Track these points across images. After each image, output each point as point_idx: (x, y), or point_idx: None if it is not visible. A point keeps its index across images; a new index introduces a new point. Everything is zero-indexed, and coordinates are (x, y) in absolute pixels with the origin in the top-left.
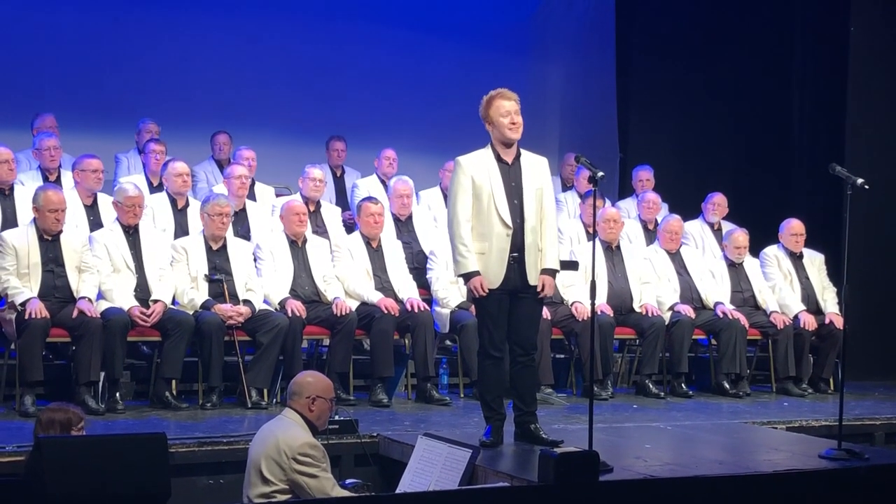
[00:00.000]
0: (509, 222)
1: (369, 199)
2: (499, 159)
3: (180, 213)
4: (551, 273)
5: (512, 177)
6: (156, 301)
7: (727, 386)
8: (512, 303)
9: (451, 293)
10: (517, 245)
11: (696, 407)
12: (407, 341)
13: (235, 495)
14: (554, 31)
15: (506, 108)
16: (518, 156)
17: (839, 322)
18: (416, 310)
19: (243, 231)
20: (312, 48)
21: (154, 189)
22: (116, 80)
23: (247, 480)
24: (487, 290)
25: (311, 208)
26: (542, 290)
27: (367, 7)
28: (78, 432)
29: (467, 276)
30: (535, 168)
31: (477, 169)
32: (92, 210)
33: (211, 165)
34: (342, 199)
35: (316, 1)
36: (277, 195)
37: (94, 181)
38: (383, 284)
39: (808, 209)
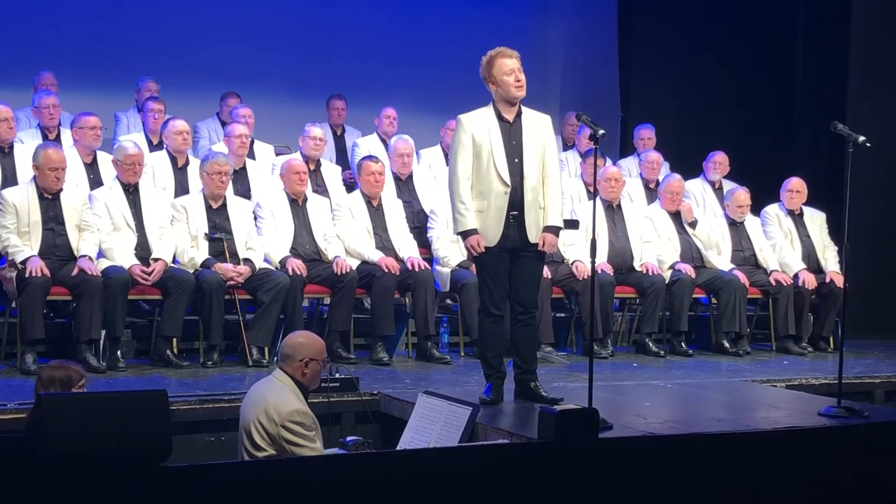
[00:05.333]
0: (508, 180)
1: (370, 157)
2: (500, 118)
3: (180, 172)
4: (553, 230)
5: (513, 135)
6: (156, 259)
7: (727, 344)
8: (512, 261)
9: (451, 252)
10: (516, 203)
11: (695, 365)
12: (407, 300)
13: (236, 453)
14: None
15: (509, 67)
16: (519, 114)
17: (839, 280)
18: (416, 268)
19: (243, 190)
20: (313, 6)
21: (154, 147)
22: (116, 39)
23: (239, 440)
24: (484, 248)
25: (312, 167)
26: (542, 245)
27: None
28: (79, 390)
29: (465, 234)
30: (538, 126)
31: (478, 127)
32: (92, 168)
33: (214, 123)
34: (342, 157)
35: None
36: (277, 154)
37: (92, 138)
38: (384, 243)
39: (810, 167)
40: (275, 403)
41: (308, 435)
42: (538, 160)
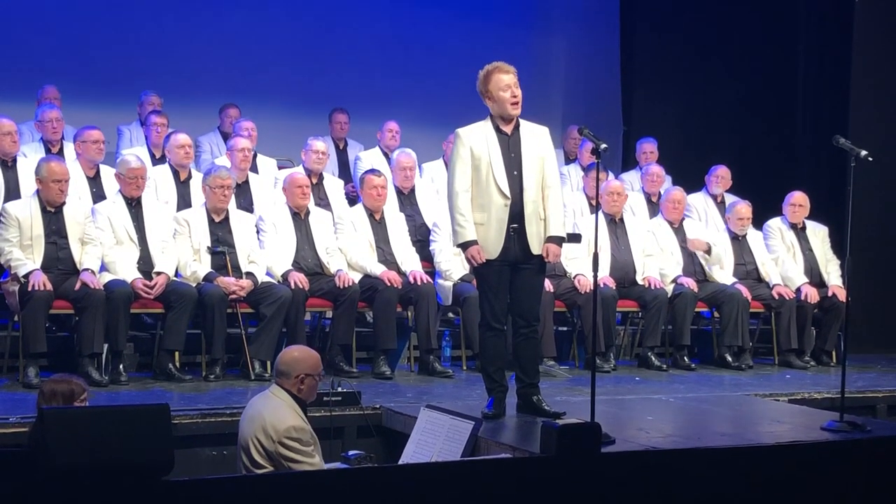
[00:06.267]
0: (508, 193)
1: (372, 171)
2: (498, 130)
3: (183, 186)
4: (556, 241)
5: (512, 147)
6: (159, 273)
7: (729, 358)
8: (513, 274)
9: (454, 265)
10: (516, 216)
11: (698, 379)
12: (409, 314)
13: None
14: (558, 2)
15: (505, 83)
16: (517, 126)
17: (842, 294)
18: (418, 282)
19: (246, 203)
20: (315, 20)
21: (156, 161)
22: (119, 53)
23: (238, 458)
24: (485, 260)
25: (314, 181)
26: (546, 256)
27: None
28: (81, 404)
29: (465, 246)
30: (536, 138)
31: (476, 140)
32: (94, 182)
33: (216, 137)
34: (345, 171)
35: None
36: (280, 167)
37: (95, 152)
38: (386, 257)
39: (812, 182)
40: (272, 420)
41: (305, 451)
42: (537, 172)
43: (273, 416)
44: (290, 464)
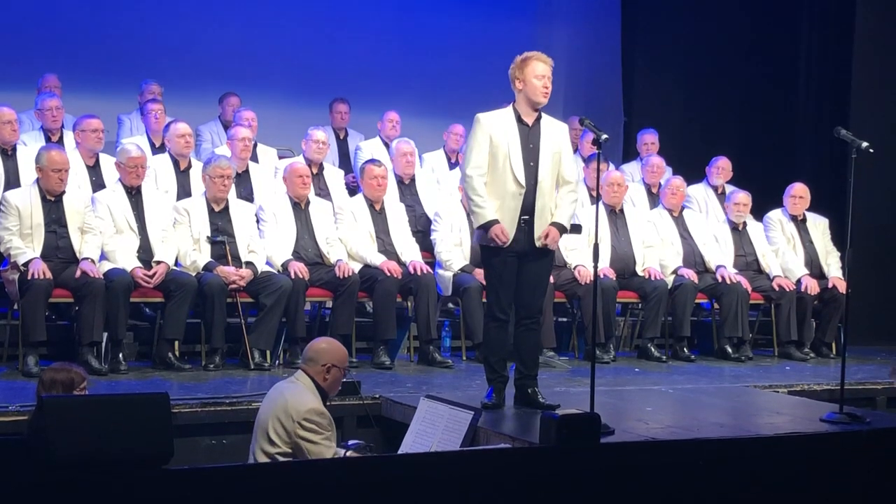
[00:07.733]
0: (522, 182)
1: (373, 161)
2: (519, 120)
3: (183, 175)
4: (559, 227)
5: (531, 139)
6: (158, 262)
7: (729, 350)
8: (519, 265)
9: (454, 255)
10: (528, 207)
11: (697, 371)
12: (409, 304)
13: (238, 456)
14: None
15: (541, 71)
16: (538, 118)
17: (842, 286)
18: (418, 272)
19: (246, 193)
20: (316, 9)
21: (156, 150)
22: (120, 41)
23: (254, 439)
24: (508, 238)
25: (314, 170)
26: (546, 238)
27: None
28: (80, 392)
29: (487, 226)
30: (555, 132)
31: (496, 127)
32: (94, 171)
33: (216, 126)
34: (345, 161)
35: None
36: (280, 157)
37: (94, 141)
38: (386, 247)
39: (813, 173)
40: (293, 402)
41: (324, 433)
42: (553, 166)
43: (295, 398)
44: (306, 444)
